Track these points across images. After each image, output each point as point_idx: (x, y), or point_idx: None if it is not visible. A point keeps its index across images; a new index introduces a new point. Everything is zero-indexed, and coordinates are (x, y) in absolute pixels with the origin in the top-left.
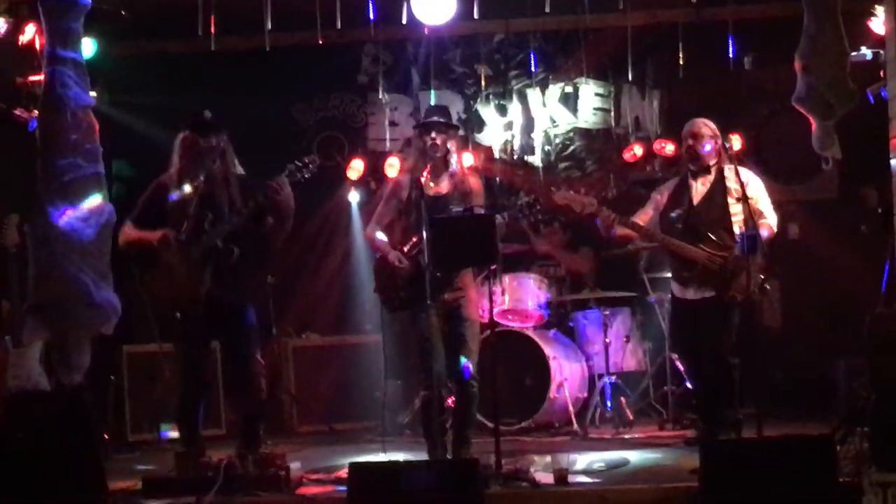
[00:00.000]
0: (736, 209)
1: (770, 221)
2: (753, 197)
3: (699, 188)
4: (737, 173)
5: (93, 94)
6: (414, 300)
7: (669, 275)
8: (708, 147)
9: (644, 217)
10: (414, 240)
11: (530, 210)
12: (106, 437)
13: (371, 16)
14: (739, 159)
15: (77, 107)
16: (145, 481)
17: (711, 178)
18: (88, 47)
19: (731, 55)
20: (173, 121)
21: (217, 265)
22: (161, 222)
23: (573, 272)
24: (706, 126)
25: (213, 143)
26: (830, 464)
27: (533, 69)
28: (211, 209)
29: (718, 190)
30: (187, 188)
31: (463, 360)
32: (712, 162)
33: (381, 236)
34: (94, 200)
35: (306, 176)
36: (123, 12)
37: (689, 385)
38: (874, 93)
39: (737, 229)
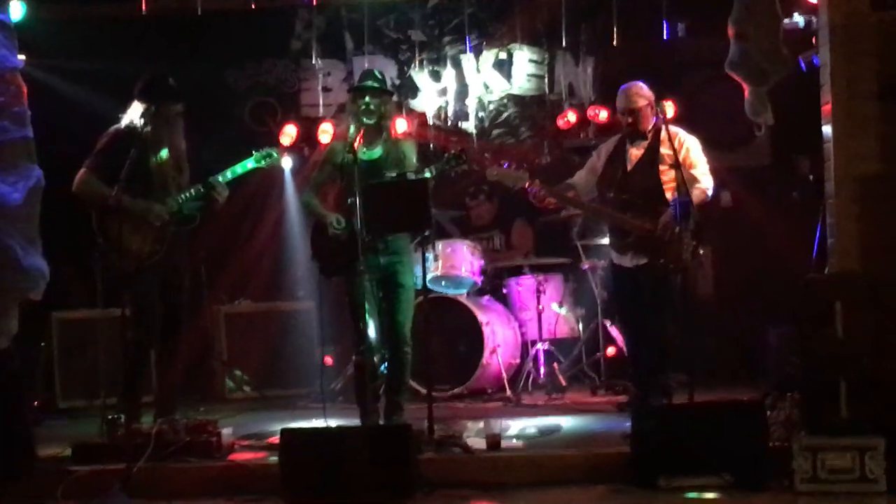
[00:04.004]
0: (669, 176)
1: (704, 185)
2: (690, 159)
3: (634, 153)
4: (670, 138)
5: (21, 56)
6: (348, 265)
7: (602, 242)
8: (646, 116)
9: (581, 180)
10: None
11: (457, 162)
12: (36, 403)
13: None
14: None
15: (4, 69)
16: (75, 448)
17: (646, 143)
18: (17, 10)
19: (664, 22)
20: (104, 85)
21: (178, 230)
22: (117, 175)
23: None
24: (640, 96)
25: (177, 110)
26: (761, 428)
27: (467, 35)
28: (175, 177)
29: (652, 157)
30: (164, 154)
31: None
32: (648, 126)
33: (317, 201)
34: (23, 164)
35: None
36: None
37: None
38: (806, 60)
39: (670, 196)
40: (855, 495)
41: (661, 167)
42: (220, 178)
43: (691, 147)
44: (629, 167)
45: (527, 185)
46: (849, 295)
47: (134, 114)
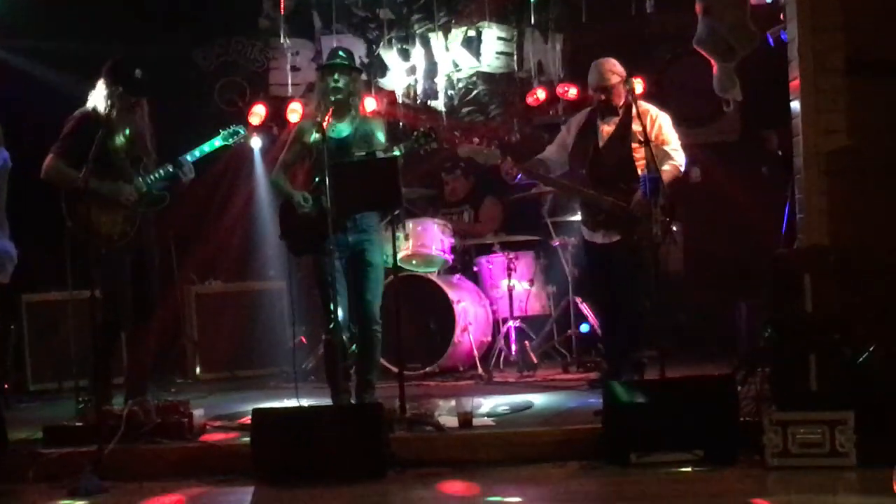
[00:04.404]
0: (641, 153)
1: (677, 161)
2: (662, 135)
3: (605, 130)
4: (640, 114)
5: None
6: (317, 244)
7: (573, 218)
8: (619, 93)
9: (551, 155)
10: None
11: (427, 140)
12: (6, 386)
13: None
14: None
15: None
16: (46, 431)
17: (617, 119)
18: None
19: None
20: (72, 66)
21: (147, 211)
22: (84, 159)
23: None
24: (613, 73)
25: (142, 100)
26: (731, 403)
27: (435, 13)
28: (141, 159)
29: (623, 133)
30: (121, 138)
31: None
32: (620, 102)
33: (285, 181)
34: None
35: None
36: None
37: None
38: (774, 35)
39: (641, 172)
40: (825, 469)
41: (633, 144)
42: (189, 158)
43: (663, 123)
44: (601, 143)
45: (499, 162)
46: (818, 269)
47: (99, 96)
